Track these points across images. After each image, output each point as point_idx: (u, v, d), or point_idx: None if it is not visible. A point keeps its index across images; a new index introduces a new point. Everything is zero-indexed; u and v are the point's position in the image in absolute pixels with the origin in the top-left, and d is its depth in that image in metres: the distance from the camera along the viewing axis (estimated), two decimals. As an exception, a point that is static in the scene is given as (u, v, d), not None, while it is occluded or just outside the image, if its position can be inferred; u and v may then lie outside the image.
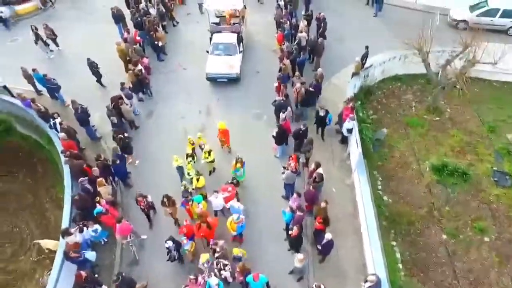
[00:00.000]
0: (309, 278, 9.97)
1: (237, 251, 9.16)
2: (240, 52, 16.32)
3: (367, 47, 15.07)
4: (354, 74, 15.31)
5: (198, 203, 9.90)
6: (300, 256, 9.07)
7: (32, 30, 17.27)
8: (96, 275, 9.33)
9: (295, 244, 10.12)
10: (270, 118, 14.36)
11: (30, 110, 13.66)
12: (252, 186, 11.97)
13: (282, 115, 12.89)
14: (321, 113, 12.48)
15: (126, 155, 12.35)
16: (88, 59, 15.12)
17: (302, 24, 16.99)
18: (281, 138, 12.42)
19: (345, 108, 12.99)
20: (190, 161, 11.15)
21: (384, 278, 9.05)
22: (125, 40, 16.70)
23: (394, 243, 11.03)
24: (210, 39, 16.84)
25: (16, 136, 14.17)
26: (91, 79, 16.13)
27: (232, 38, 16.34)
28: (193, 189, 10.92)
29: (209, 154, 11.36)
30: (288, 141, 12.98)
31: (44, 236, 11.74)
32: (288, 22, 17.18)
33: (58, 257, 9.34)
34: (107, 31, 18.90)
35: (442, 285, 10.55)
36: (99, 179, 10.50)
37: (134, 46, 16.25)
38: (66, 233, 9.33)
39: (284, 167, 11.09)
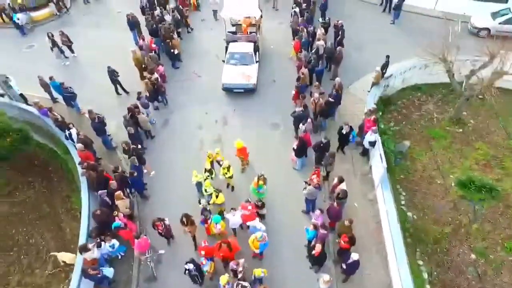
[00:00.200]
0: (332, 298, 9.61)
1: (258, 272, 8.82)
2: (256, 62, 16.01)
3: (388, 57, 14.70)
4: (374, 84, 14.92)
5: (216, 223, 9.61)
6: (326, 277, 8.72)
7: (49, 37, 17.28)
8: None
9: (318, 261, 9.78)
10: (288, 128, 14.06)
11: (47, 118, 13.54)
12: (270, 199, 11.63)
13: (302, 127, 12.57)
14: (345, 130, 11.96)
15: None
16: (108, 67, 15.00)
17: (320, 31, 16.69)
18: (301, 150, 12.09)
19: (367, 120, 12.61)
20: (208, 176, 10.86)
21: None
22: (141, 48, 16.59)
23: (420, 262, 10.60)
24: (226, 48, 16.57)
25: (32, 145, 14.03)
26: (105, 86, 16.04)
27: (248, 47, 16.06)
28: (210, 203, 10.60)
29: (228, 170, 11.05)
30: (308, 153, 12.65)
31: (60, 248, 11.54)
32: (305, 30, 16.87)
33: (76, 274, 9.11)
34: (122, 38, 18.89)
35: (472, 308, 10.13)
36: (117, 193, 10.28)
37: (150, 54, 16.11)
38: (84, 249, 9.11)
39: (306, 182, 10.74)
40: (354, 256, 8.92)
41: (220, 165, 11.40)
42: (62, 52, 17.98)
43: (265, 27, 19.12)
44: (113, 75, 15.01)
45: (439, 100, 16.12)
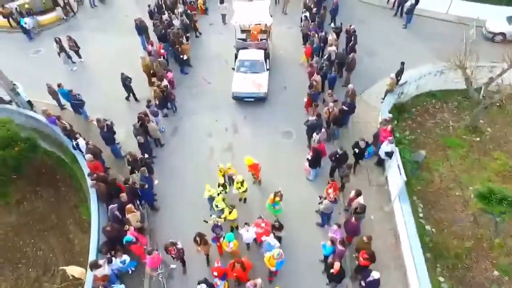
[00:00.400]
0: (351, 317, 9.29)
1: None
2: (267, 69, 15.59)
3: (402, 64, 14.35)
4: (388, 91, 14.55)
5: (229, 242, 9.29)
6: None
7: (56, 42, 17.06)
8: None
9: (336, 279, 9.40)
10: (300, 136, 13.73)
11: (55, 127, 13.30)
12: (283, 211, 11.24)
13: (315, 137, 12.21)
14: (361, 145, 11.46)
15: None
16: (122, 74, 14.71)
17: (331, 37, 16.37)
18: (315, 161, 11.75)
19: (383, 129, 12.25)
20: (222, 191, 10.53)
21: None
22: (149, 54, 16.33)
23: (441, 279, 10.21)
24: (236, 55, 16.18)
25: (40, 153, 13.81)
26: (113, 92, 15.85)
27: (259, 55, 15.67)
28: (221, 217, 10.28)
29: (242, 185, 10.71)
30: (322, 163, 12.31)
31: (68, 261, 11.31)
32: (317, 35, 16.54)
33: (87, 291, 8.84)
34: (130, 42, 18.65)
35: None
36: (128, 206, 10.00)
37: (159, 59, 15.83)
38: (95, 266, 8.83)
39: (321, 197, 10.41)
40: (375, 275, 8.56)
41: (233, 180, 11.06)
42: (69, 57, 17.76)
43: (274, 32, 18.80)
44: (126, 81, 14.73)
45: (455, 107, 15.73)
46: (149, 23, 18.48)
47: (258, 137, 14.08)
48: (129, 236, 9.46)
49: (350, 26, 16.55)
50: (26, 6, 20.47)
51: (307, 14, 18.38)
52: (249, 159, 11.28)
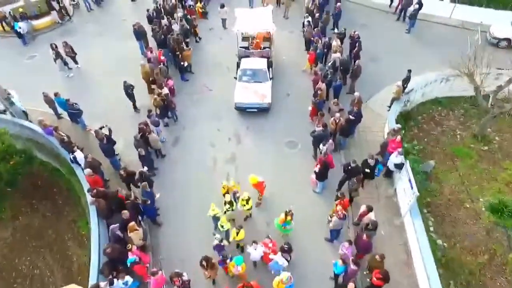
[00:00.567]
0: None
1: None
2: (270, 78, 15.07)
3: (409, 71, 14.05)
4: (395, 99, 14.23)
5: (238, 265, 8.88)
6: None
7: (53, 48, 16.53)
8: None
9: (347, 300, 9.06)
10: (305, 146, 13.37)
11: (52, 138, 12.79)
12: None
13: (323, 148, 11.87)
14: (371, 163, 11.00)
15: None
16: (124, 82, 14.20)
17: (335, 43, 16.00)
18: (323, 174, 11.39)
19: (391, 140, 11.92)
20: (228, 208, 10.12)
21: None
22: (149, 60, 15.88)
23: (455, 297, 9.93)
24: (238, 64, 15.71)
25: (36, 164, 13.30)
26: (110, 99, 15.46)
27: (261, 63, 15.18)
28: (230, 241, 9.89)
29: (247, 202, 10.30)
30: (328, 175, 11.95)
31: (67, 280, 10.82)
32: (320, 41, 16.19)
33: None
34: (128, 47, 18.23)
35: None
36: (130, 224, 9.55)
37: (160, 66, 15.37)
38: (97, 289, 8.39)
39: (331, 216, 10.06)
40: (390, 296, 8.23)
41: (237, 198, 10.65)
42: (65, 64, 17.23)
43: (275, 37, 18.42)
44: (128, 89, 14.25)
45: (461, 115, 15.48)
46: (147, 27, 18.03)
47: (262, 147, 13.70)
48: (132, 257, 9.02)
49: (354, 32, 16.21)
50: (20, 10, 19.89)
51: (310, 19, 18.01)
52: (253, 178, 10.80)
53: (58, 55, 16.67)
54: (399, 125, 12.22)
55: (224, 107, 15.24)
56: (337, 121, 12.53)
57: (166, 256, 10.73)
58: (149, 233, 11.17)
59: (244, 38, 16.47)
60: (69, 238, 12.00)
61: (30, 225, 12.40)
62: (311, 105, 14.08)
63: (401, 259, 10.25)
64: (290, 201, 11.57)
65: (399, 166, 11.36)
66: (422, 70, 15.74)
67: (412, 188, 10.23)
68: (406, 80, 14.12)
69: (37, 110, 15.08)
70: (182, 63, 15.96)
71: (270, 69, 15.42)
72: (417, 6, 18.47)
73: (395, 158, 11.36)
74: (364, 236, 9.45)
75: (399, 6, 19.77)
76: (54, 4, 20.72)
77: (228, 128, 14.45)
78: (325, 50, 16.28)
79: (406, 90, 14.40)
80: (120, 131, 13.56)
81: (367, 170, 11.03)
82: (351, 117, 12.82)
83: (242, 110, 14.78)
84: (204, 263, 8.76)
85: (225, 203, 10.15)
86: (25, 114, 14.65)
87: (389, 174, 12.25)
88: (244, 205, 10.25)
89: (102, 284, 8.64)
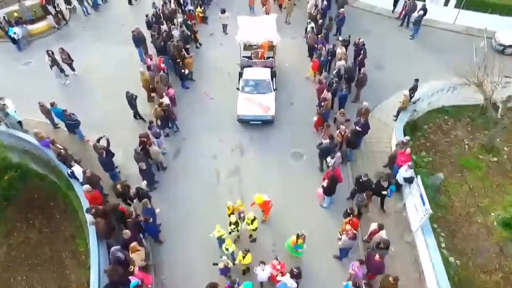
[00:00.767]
0: None
1: None
2: (274, 90, 14.54)
3: (416, 80, 13.70)
4: (401, 108, 13.89)
5: None
6: None
7: (49, 55, 16.01)
8: None
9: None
10: (311, 158, 13.00)
11: (48, 150, 12.31)
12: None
13: (330, 161, 11.52)
14: (384, 184, 10.59)
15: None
16: (127, 92, 13.70)
17: (340, 50, 15.62)
18: (331, 189, 11.02)
19: (400, 153, 11.59)
20: (234, 229, 9.71)
21: None
22: (149, 68, 15.42)
23: (470, 318, 9.60)
24: (240, 74, 15.21)
25: (32, 177, 12.79)
26: (108, 107, 15.05)
27: (265, 74, 14.67)
28: (235, 263, 9.49)
29: (252, 223, 9.89)
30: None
31: (65, 301, 10.37)
32: (324, 48, 15.83)
33: None
34: (126, 53, 17.75)
35: None
36: (132, 245, 9.12)
37: (160, 74, 14.91)
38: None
39: (340, 233, 9.69)
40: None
41: (242, 218, 10.25)
42: (62, 70, 16.71)
43: (278, 43, 18.04)
44: (132, 99, 13.79)
45: (468, 124, 15.19)
46: (146, 33, 17.55)
47: (266, 158, 13.31)
48: (135, 281, 8.58)
49: (359, 39, 15.85)
50: (15, 14, 19.34)
51: (313, 25, 17.64)
52: (259, 197, 10.33)
53: (54, 62, 16.16)
54: (407, 137, 11.88)
55: (225, 117, 14.81)
56: (343, 133, 12.17)
57: (169, 275, 10.35)
58: (151, 251, 10.77)
59: (247, 47, 15.90)
60: (67, 256, 11.53)
61: (25, 241, 11.91)
62: (317, 115, 13.72)
63: (413, 278, 9.92)
64: (297, 216, 11.25)
65: (409, 180, 11.03)
66: (427, 77, 15.47)
67: (424, 204, 9.90)
68: (413, 89, 13.78)
69: (34, 120, 14.51)
70: (183, 70, 15.51)
71: (274, 79, 14.94)
72: (421, 12, 18.17)
73: (405, 172, 11.03)
74: (377, 256, 9.07)
75: (403, 12, 19.46)
76: (50, 8, 20.15)
77: (230, 139, 14.04)
78: (329, 57, 15.92)
79: (413, 99, 14.07)
80: (119, 141, 13.11)
81: (384, 193, 10.69)
82: (358, 128, 12.47)
83: (245, 122, 14.31)
84: (208, 288, 8.35)
85: (230, 223, 9.74)
86: (19, 124, 14.13)
87: (397, 187, 11.90)
88: (249, 223, 9.85)
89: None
